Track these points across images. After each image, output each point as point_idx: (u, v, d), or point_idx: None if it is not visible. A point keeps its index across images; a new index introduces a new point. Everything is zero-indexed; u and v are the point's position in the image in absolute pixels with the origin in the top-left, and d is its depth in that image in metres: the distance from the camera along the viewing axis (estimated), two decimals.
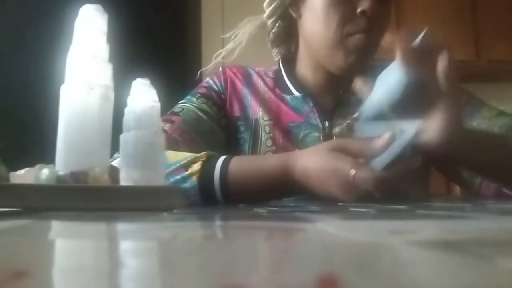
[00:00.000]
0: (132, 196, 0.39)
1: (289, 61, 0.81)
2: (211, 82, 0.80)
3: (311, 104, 0.74)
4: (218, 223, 0.32)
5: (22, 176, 0.43)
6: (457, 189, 1.10)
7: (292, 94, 0.77)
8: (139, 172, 0.42)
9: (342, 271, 0.13)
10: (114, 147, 0.44)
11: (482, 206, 0.43)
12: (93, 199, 0.38)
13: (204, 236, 0.23)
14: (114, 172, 0.42)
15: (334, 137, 0.72)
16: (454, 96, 0.52)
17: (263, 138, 0.75)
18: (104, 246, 0.20)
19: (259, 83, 0.80)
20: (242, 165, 0.57)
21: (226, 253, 0.17)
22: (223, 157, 0.57)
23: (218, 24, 2.23)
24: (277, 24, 0.79)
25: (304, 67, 0.78)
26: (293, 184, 0.55)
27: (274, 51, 0.84)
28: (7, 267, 0.14)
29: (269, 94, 0.78)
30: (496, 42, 2.38)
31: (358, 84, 0.56)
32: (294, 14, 0.75)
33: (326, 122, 0.73)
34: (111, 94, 0.43)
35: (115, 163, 0.52)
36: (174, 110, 0.75)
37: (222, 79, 0.80)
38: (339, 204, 0.49)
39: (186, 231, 0.25)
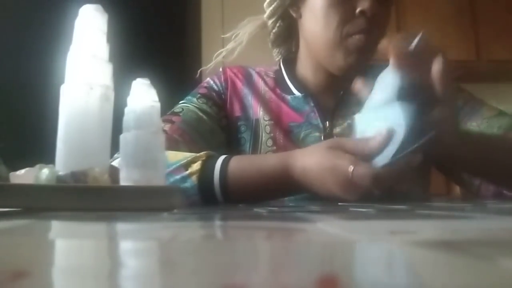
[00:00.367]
0: (132, 196, 0.39)
1: (290, 61, 0.81)
2: (212, 82, 0.80)
3: (312, 104, 0.75)
4: (218, 223, 0.32)
5: (22, 176, 0.43)
6: (457, 189, 1.10)
7: (293, 94, 0.77)
8: (139, 172, 0.42)
9: (342, 271, 0.13)
10: (114, 147, 0.44)
11: (482, 206, 0.43)
12: (93, 199, 0.38)
13: (204, 236, 0.23)
14: (114, 172, 0.42)
15: (335, 137, 0.72)
16: (448, 99, 0.51)
17: (263, 138, 0.75)
18: (104, 246, 0.20)
19: (260, 83, 0.80)
20: (242, 164, 0.57)
21: (226, 253, 0.17)
22: (222, 157, 0.57)
23: (218, 24, 2.23)
24: (277, 24, 0.79)
25: (305, 67, 0.78)
26: (293, 183, 0.55)
27: (275, 51, 0.84)
28: (7, 267, 0.14)
29: (269, 94, 0.78)
30: (496, 42, 2.38)
31: (358, 84, 0.56)
32: (294, 14, 0.75)
33: (327, 122, 0.73)
34: (111, 94, 0.43)
35: (115, 163, 0.52)
36: (174, 110, 0.75)
37: (222, 79, 0.80)
38: (339, 204, 0.49)
39: (186, 231, 0.25)
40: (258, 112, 0.77)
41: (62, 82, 0.42)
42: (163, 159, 0.46)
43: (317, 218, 0.30)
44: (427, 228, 0.25)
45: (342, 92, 0.75)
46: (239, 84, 0.80)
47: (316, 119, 0.74)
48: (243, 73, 0.81)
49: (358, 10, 0.66)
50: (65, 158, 0.41)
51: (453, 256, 0.15)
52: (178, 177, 0.56)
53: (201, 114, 0.75)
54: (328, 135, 0.72)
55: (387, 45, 0.52)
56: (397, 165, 0.48)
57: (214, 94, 0.79)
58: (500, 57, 2.37)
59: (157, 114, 0.45)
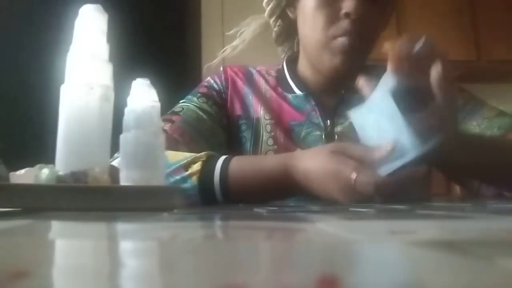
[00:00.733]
0: (132, 196, 0.39)
1: (293, 60, 0.81)
2: (212, 81, 0.80)
3: (313, 103, 0.75)
4: (218, 223, 0.32)
5: (22, 176, 0.43)
6: (457, 189, 1.10)
7: (294, 92, 0.77)
8: (139, 172, 0.42)
9: (342, 271, 0.13)
10: (114, 147, 0.44)
11: (482, 206, 0.43)
12: (93, 199, 0.38)
13: (204, 236, 0.23)
14: (114, 172, 0.42)
15: (336, 136, 0.72)
16: (448, 103, 0.51)
17: (264, 137, 0.75)
18: (104, 246, 0.20)
19: (261, 82, 0.80)
20: (242, 165, 0.57)
21: (226, 253, 0.17)
22: (223, 157, 0.57)
23: (218, 24, 2.23)
24: (278, 23, 0.80)
25: (304, 67, 0.78)
26: (294, 185, 0.55)
27: (280, 49, 0.84)
28: (7, 267, 0.14)
29: (270, 93, 0.78)
30: (496, 42, 2.38)
31: (361, 82, 0.56)
32: (291, 15, 0.76)
33: (328, 121, 0.73)
34: (111, 94, 0.43)
35: (115, 163, 0.52)
36: (174, 110, 0.75)
37: (223, 78, 0.80)
38: (339, 204, 0.49)
39: (186, 231, 0.25)
40: (259, 111, 0.77)
41: (62, 82, 0.42)
42: (163, 159, 0.46)
43: (317, 218, 0.30)
44: (427, 228, 0.25)
45: (343, 91, 0.75)
46: (239, 83, 0.80)
47: (317, 118, 0.74)
48: (244, 72, 0.81)
49: (342, 12, 0.66)
50: (65, 158, 0.41)
51: (453, 256, 0.15)
52: (178, 177, 0.56)
53: (201, 113, 0.75)
54: (329, 134, 0.72)
55: (389, 47, 0.52)
56: (401, 175, 0.48)
57: (214, 93, 0.79)
58: (500, 57, 2.37)
59: (157, 114, 0.45)
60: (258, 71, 0.82)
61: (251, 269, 0.14)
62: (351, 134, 0.71)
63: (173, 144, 0.64)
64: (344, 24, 0.66)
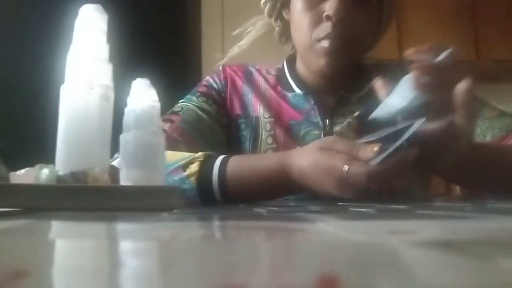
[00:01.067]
0: (132, 196, 0.39)
1: (293, 59, 0.82)
2: (211, 80, 0.80)
3: (312, 102, 0.75)
4: (218, 223, 0.32)
5: (22, 176, 0.43)
6: (457, 189, 1.10)
7: (294, 91, 0.77)
8: (139, 172, 0.42)
9: (342, 271, 0.13)
10: (114, 147, 0.44)
11: (482, 206, 0.43)
12: (93, 199, 0.38)
13: (204, 236, 0.23)
14: (114, 172, 0.42)
15: (325, 137, 0.73)
16: (469, 120, 0.51)
17: (263, 136, 0.75)
18: (104, 246, 0.20)
19: (260, 81, 0.80)
20: (240, 165, 0.57)
21: (226, 253, 0.17)
22: (221, 157, 0.57)
23: (218, 24, 2.23)
24: (278, 24, 0.80)
25: (301, 67, 0.79)
26: (291, 183, 0.55)
27: (285, 48, 0.85)
28: (7, 267, 0.14)
29: (270, 92, 0.78)
30: (496, 42, 2.38)
31: (378, 84, 0.56)
32: (286, 16, 0.77)
33: (327, 120, 0.73)
34: (111, 94, 0.43)
35: (115, 163, 0.52)
36: (174, 110, 0.75)
37: (222, 77, 0.80)
38: (339, 204, 0.49)
39: (186, 231, 0.25)
40: (258, 109, 0.77)
41: (62, 82, 0.42)
42: (163, 159, 0.46)
43: (317, 218, 0.30)
44: (427, 228, 0.25)
45: (342, 91, 0.75)
46: (239, 82, 0.80)
47: (316, 117, 0.74)
48: (243, 71, 0.82)
49: (324, 14, 0.66)
50: (65, 158, 0.41)
51: (453, 256, 0.15)
52: (176, 178, 0.56)
53: (200, 113, 0.75)
54: (328, 133, 0.72)
55: (413, 53, 0.52)
56: (392, 161, 0.47)
57: (213, 92, 0.79)
58: (500, 57, 2.37)
59: (157, 114, 0.45)
60: (258, 70, 0.82)
61: (251, 269, 0.14)
62: (350, 134, 0.71)
63: (173, 144, 0.64)
64: (326, 26, 0.67)
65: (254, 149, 0.75)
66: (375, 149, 0.47)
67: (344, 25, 0.66)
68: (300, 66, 0.79)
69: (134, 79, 0.46)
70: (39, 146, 0.81)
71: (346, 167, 0.47)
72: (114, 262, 0.16)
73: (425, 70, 0.50)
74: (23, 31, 1.84)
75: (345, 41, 0.67)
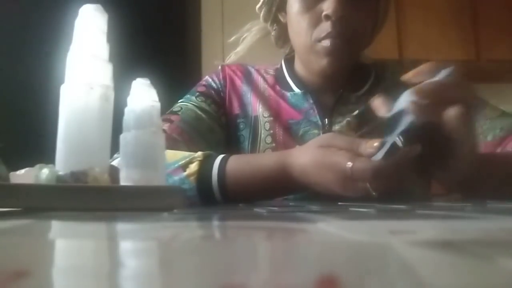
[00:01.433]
0: (132, 196, 0.39)
1: (291, 59, 0.82)
2: (210, 80, 0.81)
3: (311, 101, 0.75)
4: (218, 223, 0.32)
5: (22, 176, 0.43)
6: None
7: (293, 90, 0.77)
8: (139, 172, 0.42)
9: (342, 271, 0.13)
10: (114, 147, 0.44)
11: (482, 206, 0.43)
12: (93, 199, 0.38)
13: (204, 236, 0.23)
14: (114, 172, 0.42)
15: (324, 134, 0.72)
16: (466, 142, 0.50)
17: (262, 135, 0.75)
18: (104, 246, 0.20)
19: (259, 80, 0.80)
20: (240, 164, 0.57)
21: (226, 253, 0.17)
22: (220, 157, 0.57)
23: (218, 24, 2.23)
24: (274, 28, 0.80)
25: (300, 67, 0.79)
26: (292, 182, 0.55)
27: (282, 51, 0.85)
28: (7, 267, 0.14)
29: (269, 91, 0.78)
30: (496, 42, 2.38)
31: (376, 102, 0.52)
32: (282, 20, 0.77)
33: (326, 119, 0.73)
34: (111, 94, 0.43)
35: (115, 163, 0.52)
36: (173, 110, 0.75)
37: (221, 77, 0.81)
38: (339, 204, 0.49)
39: (186, 231, 0.25)
40: (257, 109, 0.77)
41: (62, 82, 0.42)
42: (163, 159, 0.46)
43: (317, 218, 0.30)
44: (427, 228, 0.25)
45: (341, 90, 0.75)
46: (238, 81, 0.80)
47: (315, 116, 0.74)
48: (242, 70, 0.82)
49: (323, 14, 0.66)
50: (65, 158, 0.41)
51: (453, 256, 0.15)
52: (176, 178, 0.56)
53: (200, 112, 0.75)
54: (327, 132, 0.72)
55: (412, 76, 0.50)
56: (396, 156, 0.47)
57: (213, 92, 0.79)
58: (500, 57, 2.37)
59: (157, 114, 0.45)
60: (257, 70, 0.82)
61: (251, 269, 0.14)
62: (349, 133, 0.71)
63: (172, 143, 0.65)
64: (326, 26, 0.66)
65: (253, 148, 0.75)
66: (376, 144, 0.47)
67: (343, 23, 0.66)
68: (298, 66, 0.79)
69: (134, 79, 0.46)
70: (39, 146, 0.81)
71: (349, 164, 0.47)
72: (114, 262, 0.16)
73: (425, 94, 0.47)
74: (23, 31, 1.84)
75: (346, 40, 0.67)
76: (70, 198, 0.37)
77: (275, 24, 0.80)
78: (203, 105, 0.76)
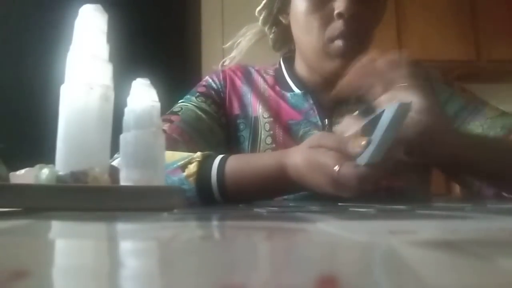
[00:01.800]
0: (132, 196, 0.39)
1: (290, 59, 0.82)
2: (210, 80, 0.81)
3: (311, 102, 0.75)
4: (218, 223, 0.32)
5: (22, 176, 0.43)
6: (457, 189, 1.10)
7: (293, 91, 0.77)
8: (139, 172, 0.42)
9: (342, 271, 0.13)
10: (114, 147, 0.44)
11: (482, 206, 0.43)
12: (93, 199, 0.38)
13: (204, 236, 0.23)
14: (114, 172, 0.42)
15: (316, 134, 0.72)
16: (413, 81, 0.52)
17: (262, 136, 0.75)
18: (104, 246, 0.20)
19: (259, 81, 0.80)
20: (239, 164, 0.57)
21: (226, 253, 0.17)
22: (219, 157, 0.57)
23: (218, 24, 2.23)
24: (273, 31, 0.80)
25: (300, 67, 0.78)
26: (290, 182, 0.54)
27: (279, 55, 0.85)
28: (7, 267, 0.14)
29: (269, 92, 0.78)
30: (496, 42, 2.38)
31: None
32: (284, 21, 0.76)
33: (326, 120, 0.73)
34: (111, 94, 0.43)
35: (115, 163, 0.52)
36: (173, 110, 0.75)
37: (221, 77, 0.80)
38: (339, 204, 0.49)
39: (186, 231, 0.25)
40: (257, 109, 0.77)
41: (62, 82, 0.42)
42: (163, 159, 0.46)
43: (317, 218, 0.30)
44: (427, 228, 0.25)
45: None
46: (238, 82, 0.80)
47: (315, 117, 0.74)
48: (242, 71, 0.82)
49: (335, 12, 0.65)
50: (65, 158, 0.41)
51: (453, 256, 0.15)
52: (176, 178, 0.56)
53: (200, 113, 0.75)
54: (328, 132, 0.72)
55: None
56: (381, 161, 0.47)
57: (213, 92, 0.79)
58: (500, 57, 2.37)
59: (157, 114, 0.45)
60: (257, 70, 0.82)
61: (250, 269, 0.14)
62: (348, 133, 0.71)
63: (172, 143, 0.65)
64: (338, 24, 0.66)
65: (253, 149, 0.74)
66: (363, 143, 0.47)
67: (355, 21, 0.65)
68: (299, 66, 0.79)
69: (134, 79, 0.46)
70: (39, 146, 0.81)
71: (336, 168, 0.47)
72: (114, 262, 0.16)
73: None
74: (23, 31, 1.84)
75: (357, 38, 0.67)
76: (70, 198, 0.37)
77: (274, 27, 0.79)
78: (203, 105, 0.76)
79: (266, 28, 0.80)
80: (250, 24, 0.84)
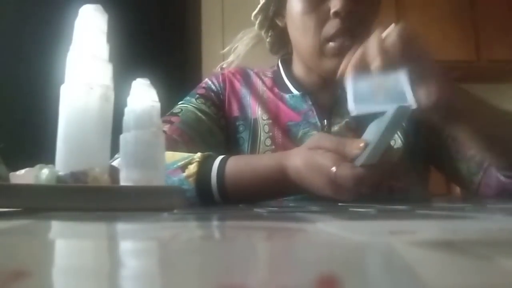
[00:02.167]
0: (132, 196, 0.39)
1: (288, 60, 0.82)
2: (210, 82, 0.81)
3: (310, 103, 0.75)
4: (218, 223, 0.32)
5: (22, 176, 0.43)
6: (457, 189, 1.10)
7: (291, 92, 0.77)
8: (139, 172, 0.42)
9: (342, 271, 0.13)
10: (114, 147, 0.44)
11: (482, 206, 0.43)
12: (93, 199, 0.38)
13: (204, 236, 0.23)
14: (114, 172, 0.42)
15: (315, 136, 0.72)
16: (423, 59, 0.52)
17: (262, 138, 0.75)
18: (104, 246, 0.20)
19: (258, 83, 0.80)
20: (239, 165, 0.57)
21: (226, 253, 0.17)
22: (219, 158, 0.57)
23: (218, 23, 2.23)
24: (269, 34, 0.80)
25: (298, 68, 0.79)
26: (289, 183, 0.55)
27: (277, 58, 0.85)
28: (7, 267, 0.14)
29: (267, 94, 0.78)
30: (496, 42, 2.38)
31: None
32: (280, 24, 0.76)
33: (325, 120, 0.73)
34: (111, 94, 0.43)
35: (115, 163, 0.52)
36: (173, 111, 0.75)
37: (220, 79, 0.81)
38: (339, 204, 0.49)
39: (186, 231, 0.25)
40: (256, 111, 0.77)
41: (62, 82, 0.42)
42: (163, 159, 0.46)
43: (317, 218, 0.30)
44: (427, 228, 0.25)
45: (340, 91, 0.75)
46: (237, 84, 0.80)
47: (314, 118, 0.74)
48: (241, 73, 0.82)
49: (332, 11, 0.65)
50: (65, 158, 0.41)
51: (453, 256, 0.15)
52: (175, 179, 0.56)
53: (200, 114, 0.75)
54: (326, 133, 0.72)
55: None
56: (377, 163, 0.47)
57: (212, 94, 0.79)
58: (500, 57, 2.38)
59: (157, 114, 0.45)
60: (256, 73, 0.82)
61: (250, 269, 0.14)
62: (347, 134, 0.71)
63: (172, 144, 0.65)
64: (335, 23, 0.65)
65: (253, 150, 0.75)
66: (361, 145, 0.47)
67: (352, 19, 0.65)
68: (297, 68, 0.79)
69: (134, 79, 0.46)
70: (39, 146, 0.81)
71: (333, 169, 0.47)
72: (114, 262, 0.16)
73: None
74: (23, 31, 1.84)
75: (354, 36, 0.66)
76: (70, 198, 0.37)
77: (270, 31, 0.80)
78: (203, 107, 0.76)
79: (262, 32, 0.80)
80: (250, 24, 0.84)
